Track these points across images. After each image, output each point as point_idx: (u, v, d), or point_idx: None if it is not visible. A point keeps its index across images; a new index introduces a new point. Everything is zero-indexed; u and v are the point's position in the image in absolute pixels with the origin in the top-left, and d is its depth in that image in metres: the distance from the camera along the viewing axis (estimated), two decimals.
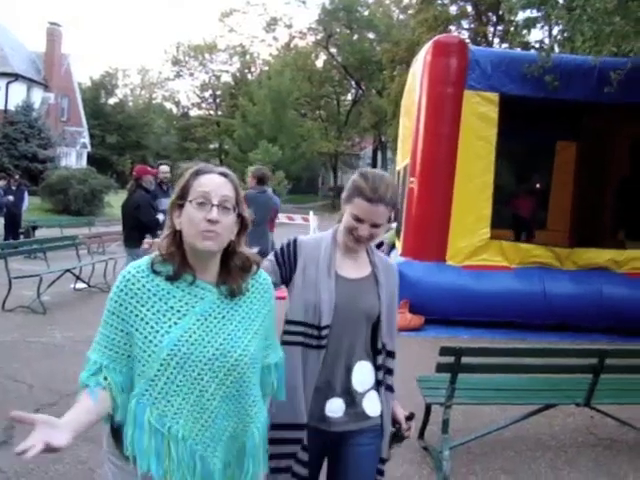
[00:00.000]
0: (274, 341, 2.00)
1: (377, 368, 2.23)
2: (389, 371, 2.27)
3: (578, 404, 4.41)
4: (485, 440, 4.48)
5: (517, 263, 8.55)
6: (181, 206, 1.74)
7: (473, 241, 8.46)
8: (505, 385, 4.59)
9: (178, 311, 1.71)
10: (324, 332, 2.11)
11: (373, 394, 2.22)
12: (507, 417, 4.64)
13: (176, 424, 1.68)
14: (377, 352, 2.23)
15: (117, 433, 1.76)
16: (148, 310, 1.70)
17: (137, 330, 1.69)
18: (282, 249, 2.23)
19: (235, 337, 1.76)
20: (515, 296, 8.16)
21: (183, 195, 1.74)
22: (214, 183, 1.74)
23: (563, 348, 4.75)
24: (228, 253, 1.81)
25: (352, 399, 2.18)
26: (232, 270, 1.81)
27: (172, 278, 1.73)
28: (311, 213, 17.98)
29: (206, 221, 1.69)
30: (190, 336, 1.69)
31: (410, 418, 2.29)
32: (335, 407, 2.16)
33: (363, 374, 2.20)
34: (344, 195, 2.19)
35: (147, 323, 1.69)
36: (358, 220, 2.10)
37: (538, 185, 12.87)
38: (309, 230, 15.32)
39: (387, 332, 2.23)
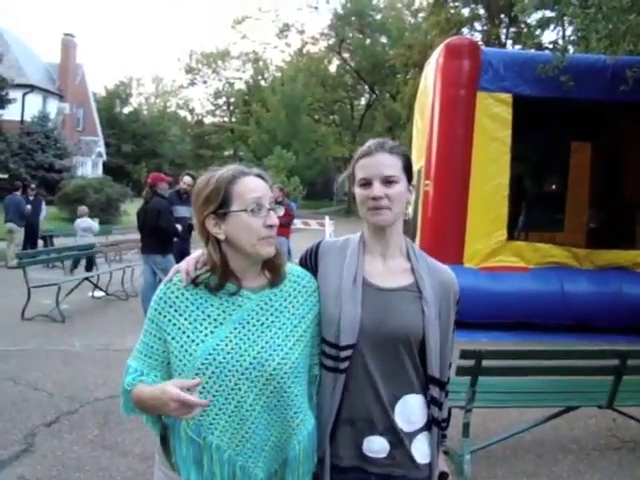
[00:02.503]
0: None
1: (429, 403, 1.83)
2: (441, 405, 1.86)
3: (600, 406, 4.36)
4: (506, 444, 4.44)
5: (534, 264, 8.50)
6: (223, 215, 1.66)
7: (490, 242, 8.42)
8: (525, 388, 4.54)
9: (215, 320, 1.67)
10: (344, 353, 1.75)
11: (425, 436, 1.83)
12: (528, 420, 4.58)
13: (211, 434, 1.64)
14: (428, 384, 1.82)
15: (166, 443, 1.76)
16: (185, 319, 1.67)
17: (173, 339, 1.66)
18: (306, 254, 1.95)
19: (274, 345, 1.68)
20: (533, 297, 8.11)
21: (225, 203, 1.66)
22: (261, 186, 1.69)
23: (585, 350, 4.68)
24: None
25: (398, 440, 1.79)
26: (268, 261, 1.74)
27: (214, 289, 1.68)
28: (327, 218, 18.01)
29: (266, 227, 1.66)
30: (226, 345, 1.64)
31: (443, 478, 1.88)
32: (376, 447, 1.78)
33: (410, 410, 1.81)
34: (350, 183, 1.90)
35: (184, 332, 1.65)
36: (367, 183, 1.78)
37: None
38: (325, 235, 15.31)
39: (437, 361, 1.80)
